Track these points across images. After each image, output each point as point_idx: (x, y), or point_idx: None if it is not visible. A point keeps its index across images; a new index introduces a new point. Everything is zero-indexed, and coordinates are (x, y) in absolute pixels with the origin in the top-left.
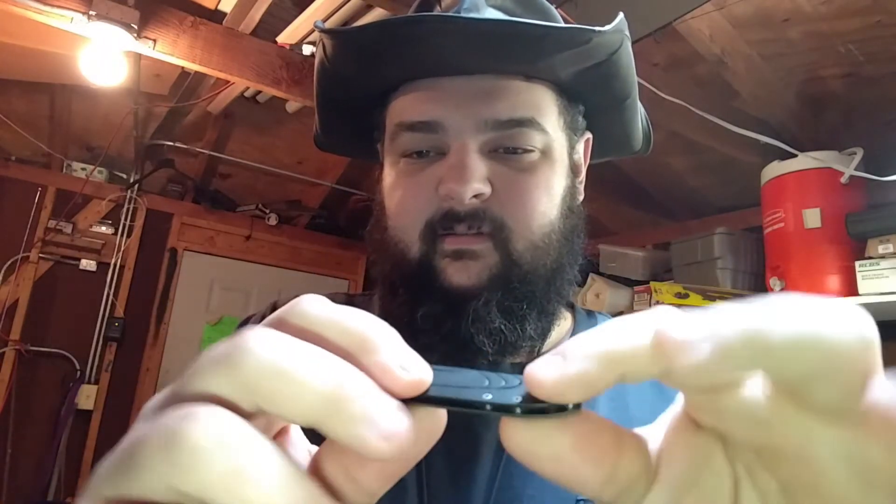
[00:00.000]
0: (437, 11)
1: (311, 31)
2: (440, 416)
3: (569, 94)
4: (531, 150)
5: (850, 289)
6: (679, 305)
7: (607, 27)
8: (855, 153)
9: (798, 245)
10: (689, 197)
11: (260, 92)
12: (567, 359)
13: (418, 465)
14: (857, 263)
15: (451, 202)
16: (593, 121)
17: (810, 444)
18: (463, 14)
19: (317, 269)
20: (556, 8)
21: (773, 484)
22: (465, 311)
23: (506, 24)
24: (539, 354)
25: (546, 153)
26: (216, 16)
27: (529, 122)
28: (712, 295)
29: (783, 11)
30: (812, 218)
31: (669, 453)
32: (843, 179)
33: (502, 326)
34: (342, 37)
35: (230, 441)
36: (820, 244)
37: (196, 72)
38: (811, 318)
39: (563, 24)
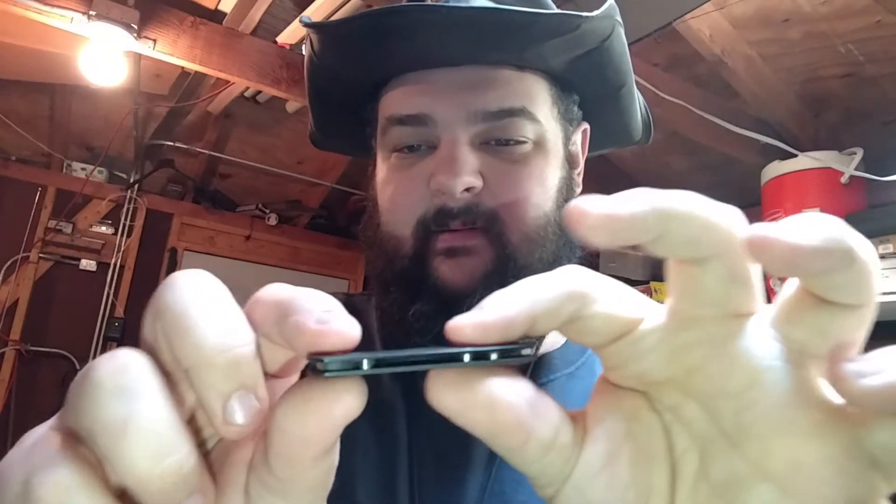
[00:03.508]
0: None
1: None
2: (342, 392)
3: (562, 83)
4: (523, 141)
5: None
6: None
7: (595, 13)
8: (855, 153)
9: None
10: None
11: (260, 92)
12: (484, 308)
13: (410, 470)
14: None
15: (443, 197)
16: (590, 111)
17: (713, 345)
18: (451, 3)
19: (317, 269)
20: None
21: (699, 414)
22: (459, 309)
23: (490, 11)
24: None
25: (539, 144)
26: (216, 16)
27: (521, 112)
28: None
29: (783, 11)
30: None
31: (597, 414)
32: (843, 179)
33: None
34: (327, 31)
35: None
36: None
37: (196, 72)
38: (705, 206)
39: (549, 11)
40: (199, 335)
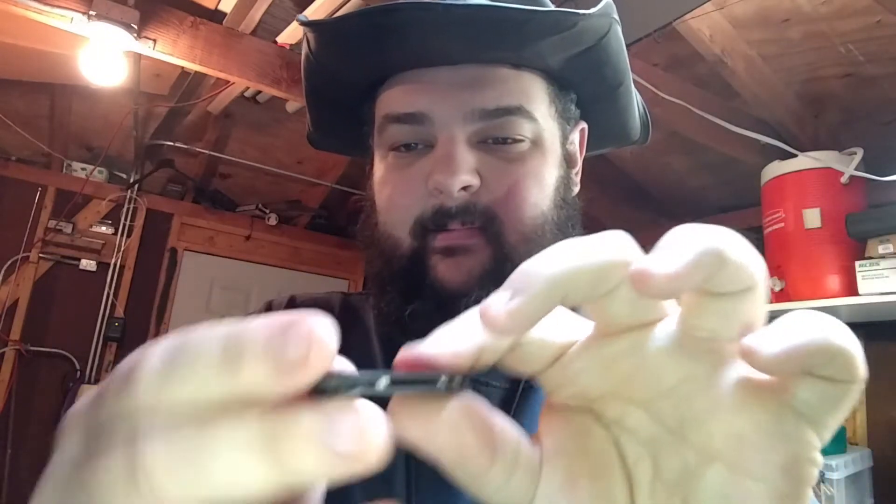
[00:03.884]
0: None
1: None
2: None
3: (559, 82)
4: (521, 140)
5: (850, 289)
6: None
7: (593, 10)
8: (855, 153)
9: (798, 245)
10: (689, 197)
11: (260, 92)
12: (435, 341)
13: (407, 470)
14: (857, 263)
15: (441, 196)
16: (588, 110)
17: (636, 350)
18: (447, 1)
19: (317, 269)
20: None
21: (644, 419)
22: (456, 308)
23: (487, 9)
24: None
25: (536, 142)
26: (216, 16)
27: (518, 111)
28: None
29: (783, 11)
30: (812, 218)
31: (549, 436)
32: (843, 179)
33: None
34: (323, 29)
35: None
36: (820, 244)
37: (196, 72)
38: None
39: (546, 8)
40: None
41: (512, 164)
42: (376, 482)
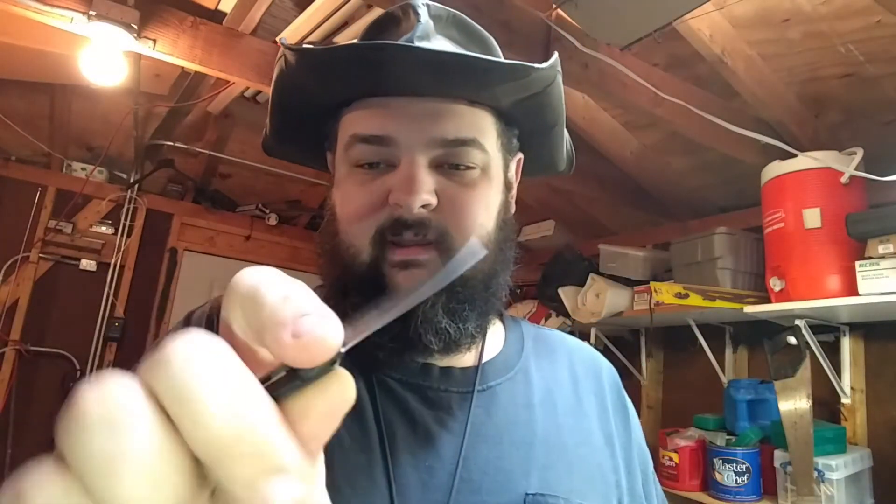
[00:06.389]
0: (393, 37)
1: (312, 31)
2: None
3: (506, 119)
4: (473, 168)
5: (850, 289)
6: (679, 305)
7: (545, 64)
8: (855, 153)
9: (798, 245)
10: (690, 197)
11: (260, 92)
12: None
13: (385, 461)
14: (857, 263)
15: (401, 211)
16: (524, 143)
17: None
18: (416, 41)
19: (316, 269)
20: (555, 8)
21: None
22: (413, 313)
23: (458, 56)
24: (480, 354)
25: (485, 171)
26: (216, 16)
27: (472, 142)
28: (712, 295)
29: (783, 11)
30: (812, 218)
31: None
32: (843, 179)
33: (447, 326)
34: (308, 56)
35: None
36: (820, 244)
37: (196, 72)
38: None
39: (507, 60)
40: (211, 423)
41: (465, 188)
42: (354, 453)
